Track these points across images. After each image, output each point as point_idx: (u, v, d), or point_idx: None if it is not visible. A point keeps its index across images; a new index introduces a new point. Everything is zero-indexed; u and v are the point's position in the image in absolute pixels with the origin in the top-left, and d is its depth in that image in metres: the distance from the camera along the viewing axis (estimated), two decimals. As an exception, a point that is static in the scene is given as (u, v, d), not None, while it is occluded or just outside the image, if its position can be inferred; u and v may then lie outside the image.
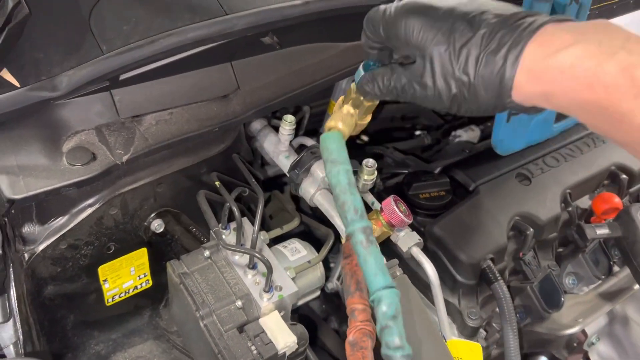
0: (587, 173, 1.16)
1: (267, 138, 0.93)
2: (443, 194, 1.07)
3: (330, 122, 0.69)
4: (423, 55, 0.55)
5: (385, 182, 1.15)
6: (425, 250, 1.03)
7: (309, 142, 0.97)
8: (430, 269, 0.82)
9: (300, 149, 0.98)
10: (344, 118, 0.68)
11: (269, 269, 0.78)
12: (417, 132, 1.48)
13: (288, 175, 0.86)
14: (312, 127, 1.48)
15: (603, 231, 1.01)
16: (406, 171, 1.16)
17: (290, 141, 0.91)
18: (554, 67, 0.49)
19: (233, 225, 0.89)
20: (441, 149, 1.34)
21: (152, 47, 0.77)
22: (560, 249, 1.16)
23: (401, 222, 0.81)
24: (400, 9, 0.57)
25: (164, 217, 0.90)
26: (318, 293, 0.95)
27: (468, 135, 1.40)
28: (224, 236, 0.86)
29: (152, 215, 0.89)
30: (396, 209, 0.80)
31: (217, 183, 0.85)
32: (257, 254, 0.78)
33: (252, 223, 0.86)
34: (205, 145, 0.91)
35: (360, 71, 0.66)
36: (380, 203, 0.84)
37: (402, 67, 0.59)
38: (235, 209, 0.81)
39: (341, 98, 0.71)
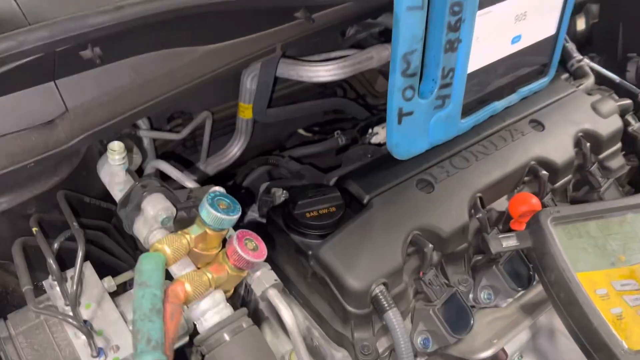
0: (502, 172, 1.03)
1: (104, 168, 0.80)
2: (333, 210, 0.94)
3: (157, 243, 0.67)
4: None
5: (276, 197, 1.02)
6: (314, 277, 0.92)
7: (164, 166, 0.83)
8: (287, 315, 0.69)
9: (157, 175, 0.85)
10: (175, 244, 0.67)
11: (87, 333, 0.65)
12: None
13: (118, 213, 0.73)
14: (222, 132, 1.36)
15: (510, 243, 0.89)
16: (300, 184, 1.03)
17: (136, 170, 0.78)
18: None
19: (71, 272, 0.77)
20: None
21: None
22: (478, 257, 1.04)
23: (250, 265, 0.68)
24: None
25: (-13, 270, 0.77)
26: (186, 340, 0.83)
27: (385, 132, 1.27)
28: (56, 289, 0.73)
29: (-35, 271, 0.77)
30: (240, 251, 0.67)
31: (34, 229, 0.71)
32: (69, 319, 0.65)
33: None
34: (30, 182, 0.78)
35: (206, 205, 0.67)
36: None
37: None
38: (52, 263, 0.68)
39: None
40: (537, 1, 1.05)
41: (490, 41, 1.00)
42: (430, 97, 0.93)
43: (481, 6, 0.92)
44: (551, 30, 1.12)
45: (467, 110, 1.03)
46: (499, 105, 1.09)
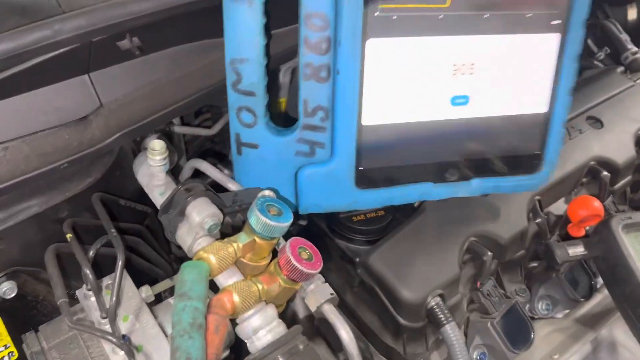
0: (561, 172, 0.96)
1: (141, 168, 0.73)
2: (382, 214, 0.87)
3: (201, 251, 0.61)
4: None
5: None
6: (362, 286, 0.86)
7: (205, 166, 0.77)
8: (345, 334, 0.63)
9: (196, 175, 0.79)
10: (220, 252, 0.61)
11: (127, 351, 0.59)
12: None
13: (160, 219, 0.67)
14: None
15: (577, 250, 0.82)
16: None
17: (170, 170, 0.71)
18: None
19: (107, 281, 0.71)
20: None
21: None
22: (533, 264, 0.97)
23: (305, 276, 0.62)
24: None
25: (16, 278, 0.72)
26: (227, 353, 0.77)
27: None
28: (91, 300, 0.67)
29: (-4, 278, 0.71)
30: (294, 261, 0.61)
31: (68, 236, 0.66)
32: (108, 336, 0.59)
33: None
34: (62, 183, 0.72)
35: (256, 211, 0.60)
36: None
37: None
38: (88, 273, 0.62)
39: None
40: (498, 54, 0.73)
41: (408, 90, 0.71)
42: (288, 137, 0.71)
43: (376, 33, 0.66)
44: (540, 107, 0.78)
45: (373, 180, 0.76)
46: (436, 190, 0.78)
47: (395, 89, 0.71)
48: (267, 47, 0.68)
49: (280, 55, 0.82)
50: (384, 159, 0.75)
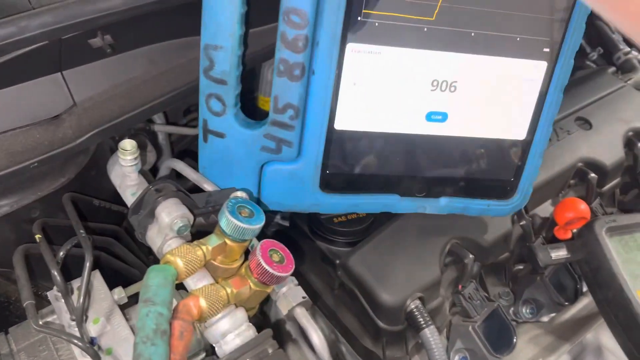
0: (547, 174, 0.94)
1: (114, 168, 0.72)
2: (363, 216, 0.86)
3: (168, 255, 0.60)
4: None
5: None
6: (342, 288, 0.84)
7: (181, 166, 0.76)
8: (316, 338, 0.62)
9: (171, 175, 0.78)
10: (188, 256, 0.60)
11: (93, 355, 0.58)
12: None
13: (129, 220, 0.66)
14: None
15: (560, 254, 0.81)
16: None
17: (143, 172, 0.70)
18: None
19: (78, 282, 0.70)
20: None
21: None
22: (519, 267, 0.96)
23: (276, 280, 0.61)
24: None
25: (-13, 279, 0.71)
26: (201, 357, 0.76)
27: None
28: (61, 301, 0.66)
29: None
30: (264, 264, 0.59)
31: (37, 237, 0.65)
32: (74, 340, 0.58)
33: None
34: (34, 183, 0.71)
35: (226, 212, 0.60)
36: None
37: None
38: (56, 274, 0.61)
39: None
40: (481, 74, 0.72)
41: (384, 100, 0.70)
42: (256, 130, 0.69)
43: (356, 38, 0.65)
44: (519, 134, 0.77)
45: (339, 185, 0.74)
46: (401, 204, 0.77)
47: (371, 97, 0.69)
48: (244, 37, 0.66)
49: (263, 52, 0.80)
50: (352, 166, 0.74)
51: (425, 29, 0.67)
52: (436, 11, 0.66)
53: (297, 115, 0.67)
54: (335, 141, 0.70)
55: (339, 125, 0.70)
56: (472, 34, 0.69)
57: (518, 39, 0.70)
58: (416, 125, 0.73)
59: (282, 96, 0.66)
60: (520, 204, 0.81)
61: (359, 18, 0.64)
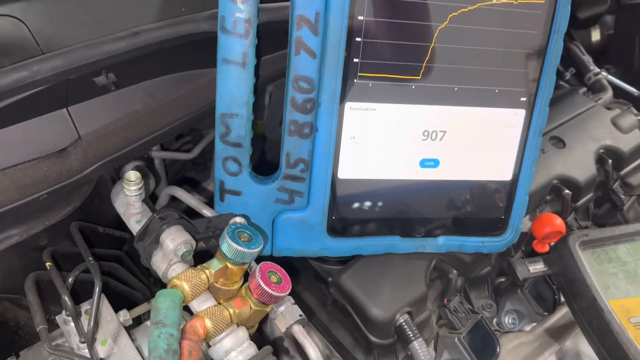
0: (524, 191, 1.01)
1: (118, 197, 0.77)
2: (353, 235, 0.91)
3: (175, 279, 0.64)
4: None
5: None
6: (335, 305, 0.89)
7: (180, 193, 0.80)
8: (313, 353, 0.66)
9: (171, 203, 0.82)
10: (193, 280, 0.64)
11: (105, 376, 0.62)
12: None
13: (135, 246, 0.70)
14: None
15: (537, 267, 0.86)
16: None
17: (145, 199, 0.75)
18: None
19: (85, 306, 0.74)
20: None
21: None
22: (501, 279, 1.01)
23: (274, 299, 0.65)
24: None
25: (-3, 305, 0.74)
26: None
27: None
28: (70, 325, 0.70)
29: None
30: (263, 285, 0.64)
31: (47, 264, 0.68)
32: (85, 361, 0.62)
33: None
34: (42, 213, 0.75)
35: (227, 238, 0.64)
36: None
37: None
38: (67, 299, 0.65)
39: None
40: (466, 123, 0.79)
41: (381, 150, 0.77)
42: (270, 185, 0.75)
43: (353, 98, 0.73)
44: (505, 175, 0.84)
45: (344, 229, 0.81)
46: (402, 244, 0.83)
47: (370, 148, 0.77)
48: (254, 104, 0.73)
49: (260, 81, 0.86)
50: (356, 211, 0.80)
51: (413, 87, 0.75)
52: (422, 71, 0.74)
53: (307, 168, 0.74)
54: (340, 189, 0.78)
55: (342, 174, 0.77)
56: (455, 89, 0.76)
57: (497, 90, 0.78)
58: (411, 172, 0.80)
59: (294, 152, 0.73)
60: (512, 239, 0.88)
61: (355, 80, 0.72)
